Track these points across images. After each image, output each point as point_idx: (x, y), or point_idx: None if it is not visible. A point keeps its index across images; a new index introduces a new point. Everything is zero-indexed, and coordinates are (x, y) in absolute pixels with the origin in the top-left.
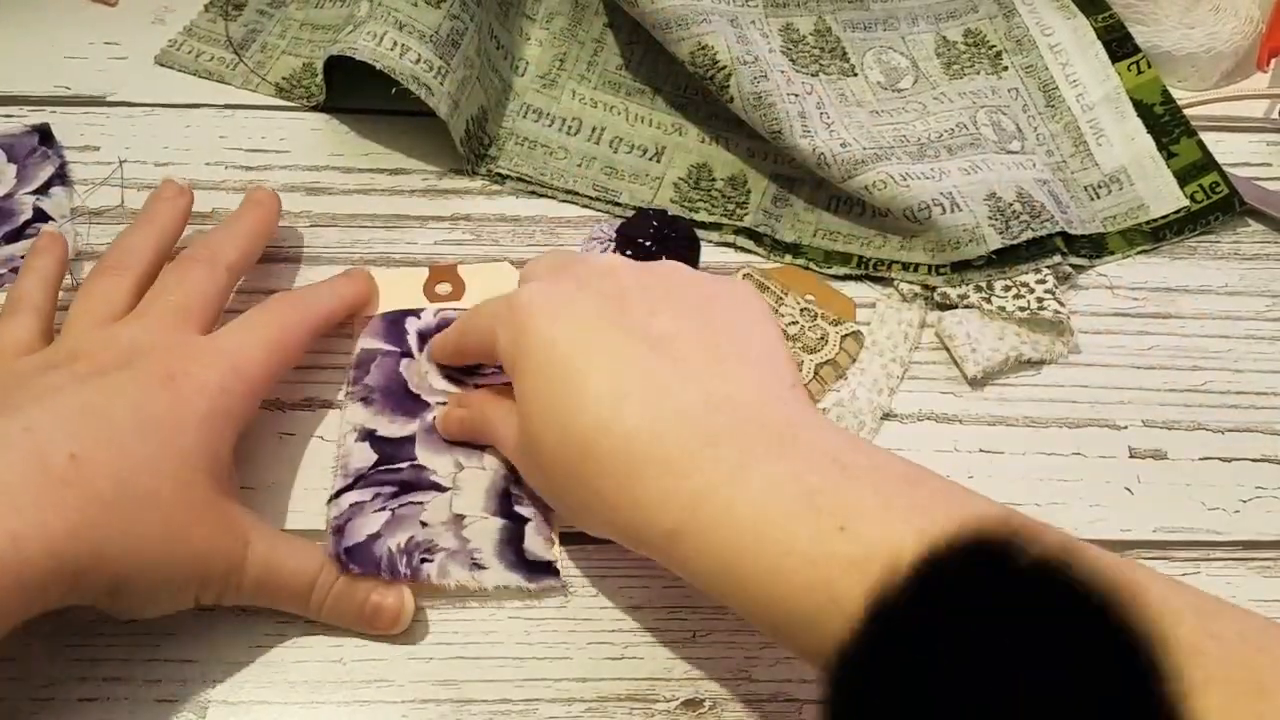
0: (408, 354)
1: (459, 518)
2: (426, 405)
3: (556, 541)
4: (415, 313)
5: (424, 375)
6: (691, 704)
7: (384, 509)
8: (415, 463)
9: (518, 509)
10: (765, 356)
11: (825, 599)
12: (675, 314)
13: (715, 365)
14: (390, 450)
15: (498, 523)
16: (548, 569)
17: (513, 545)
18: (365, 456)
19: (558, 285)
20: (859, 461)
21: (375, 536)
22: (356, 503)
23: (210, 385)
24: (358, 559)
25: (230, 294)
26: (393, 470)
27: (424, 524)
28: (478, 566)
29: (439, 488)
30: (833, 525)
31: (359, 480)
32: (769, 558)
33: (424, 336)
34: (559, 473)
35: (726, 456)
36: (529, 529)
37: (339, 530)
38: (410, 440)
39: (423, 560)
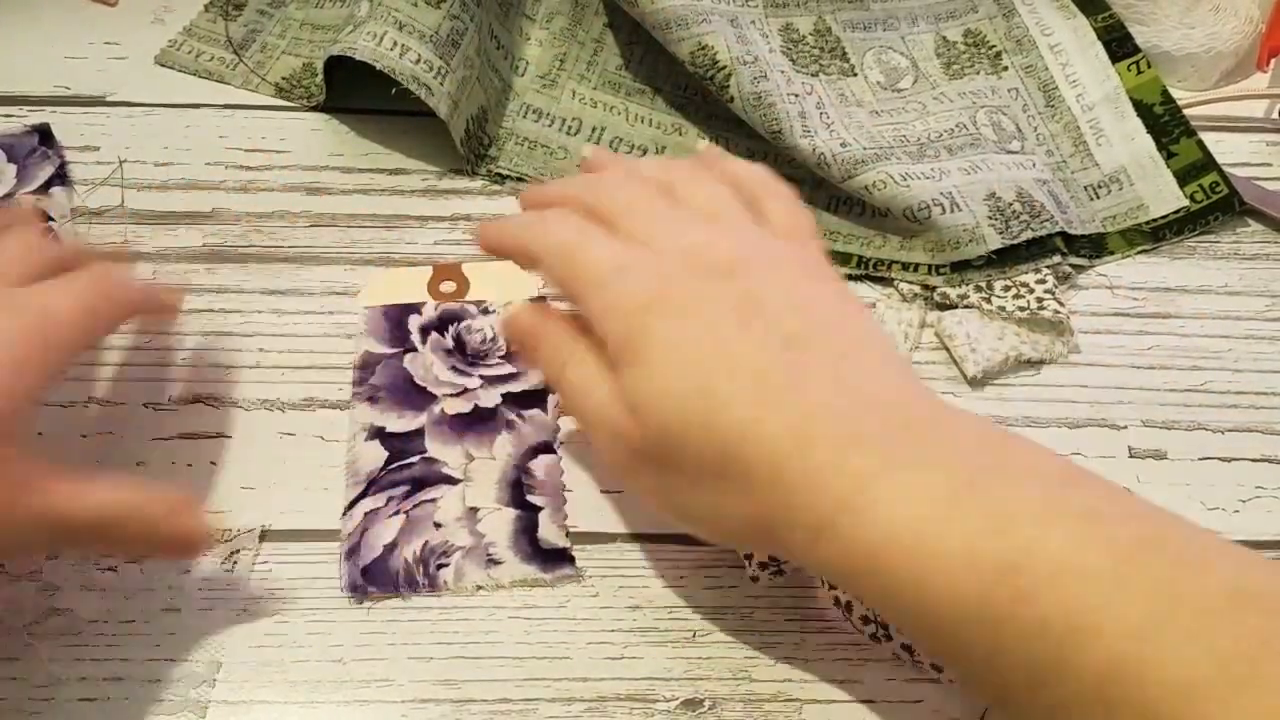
0: (411, 349)
1: (472, 511)
2: (433, 397)
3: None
4: (416, 308)
5: (429, 368)
6: (691, 704)
7: (398, 513)
8: (426, 455)
9: (530, 498)
10: (886, 352)
11: (975, 607)
12: (799, 312)
13: (848, 362)
14: (400, 445)
15: (511, 513)
16: (563, 557)
17: (527, 535)
18: (375, 456)
19: (670, 277)
20: (1013, 459)
21: (391, 547)
22: (371, 510)
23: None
24: (375, 579)
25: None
26: (404, 466)
27: (438, 524)
28: (493, 562)
29: (450, 480)
30: (984, 528)
31: (371, 485)
32: (916, 560)
33: (425, 331)
34: (690, 470)
35: (872, 455)
36: (542, 517)
37: (354, 550)
38: (419, 433)
39: (439, 566)
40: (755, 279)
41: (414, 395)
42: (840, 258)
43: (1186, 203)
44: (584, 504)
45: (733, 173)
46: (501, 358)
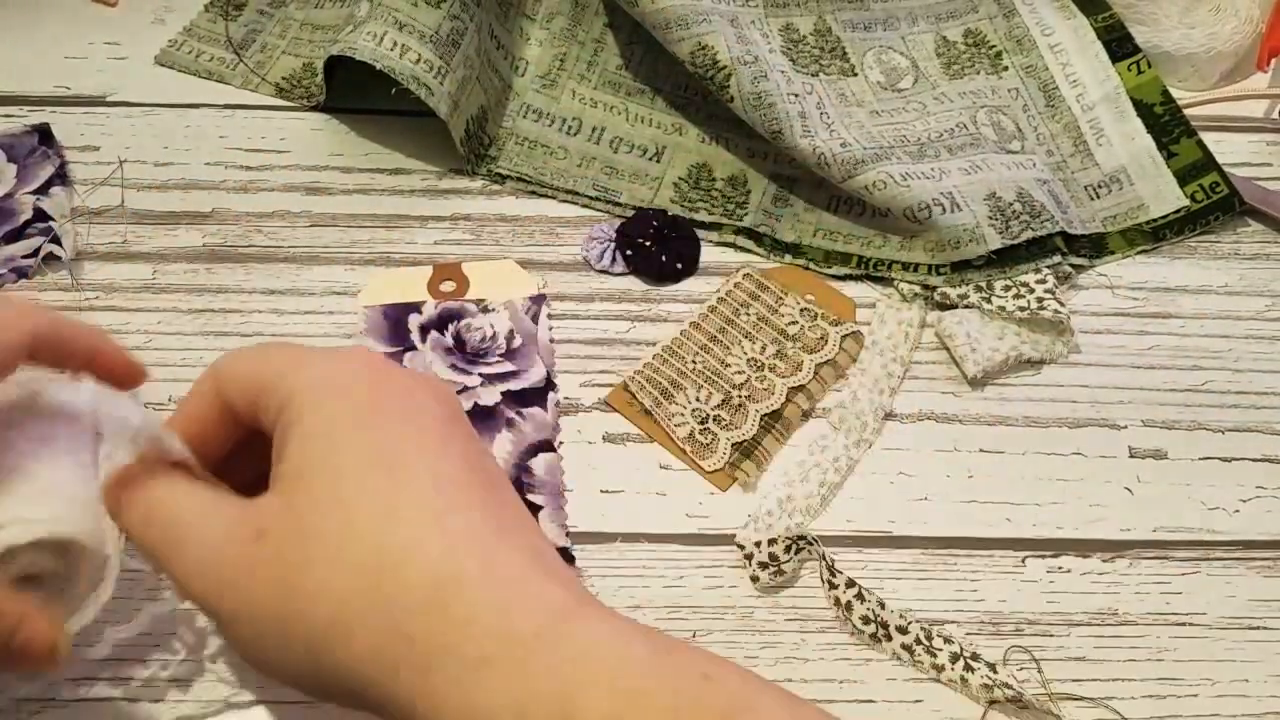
0: (411, 348)
1: None
2: None
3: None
4: (416, 307)
5: (429, 366)
6: None
7: None
8: None
9: (530, 497)
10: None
11: None
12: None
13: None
14: None
15: None
16: (563, 556)
17: None
18: None
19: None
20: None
21: None
22: None
23: None
24: None
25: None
26: None
27: None
28: None
29: None
30: (696, 678)
31: None
32: (620, 700)
33: (425, 330)
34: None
35: (561, 590)
36: (542, 516)
37: None
38: None
39: None
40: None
41: None
42: (840, 258)
43: (1187, 203)
44: (584, 503)
45: None
46: (501, 356)
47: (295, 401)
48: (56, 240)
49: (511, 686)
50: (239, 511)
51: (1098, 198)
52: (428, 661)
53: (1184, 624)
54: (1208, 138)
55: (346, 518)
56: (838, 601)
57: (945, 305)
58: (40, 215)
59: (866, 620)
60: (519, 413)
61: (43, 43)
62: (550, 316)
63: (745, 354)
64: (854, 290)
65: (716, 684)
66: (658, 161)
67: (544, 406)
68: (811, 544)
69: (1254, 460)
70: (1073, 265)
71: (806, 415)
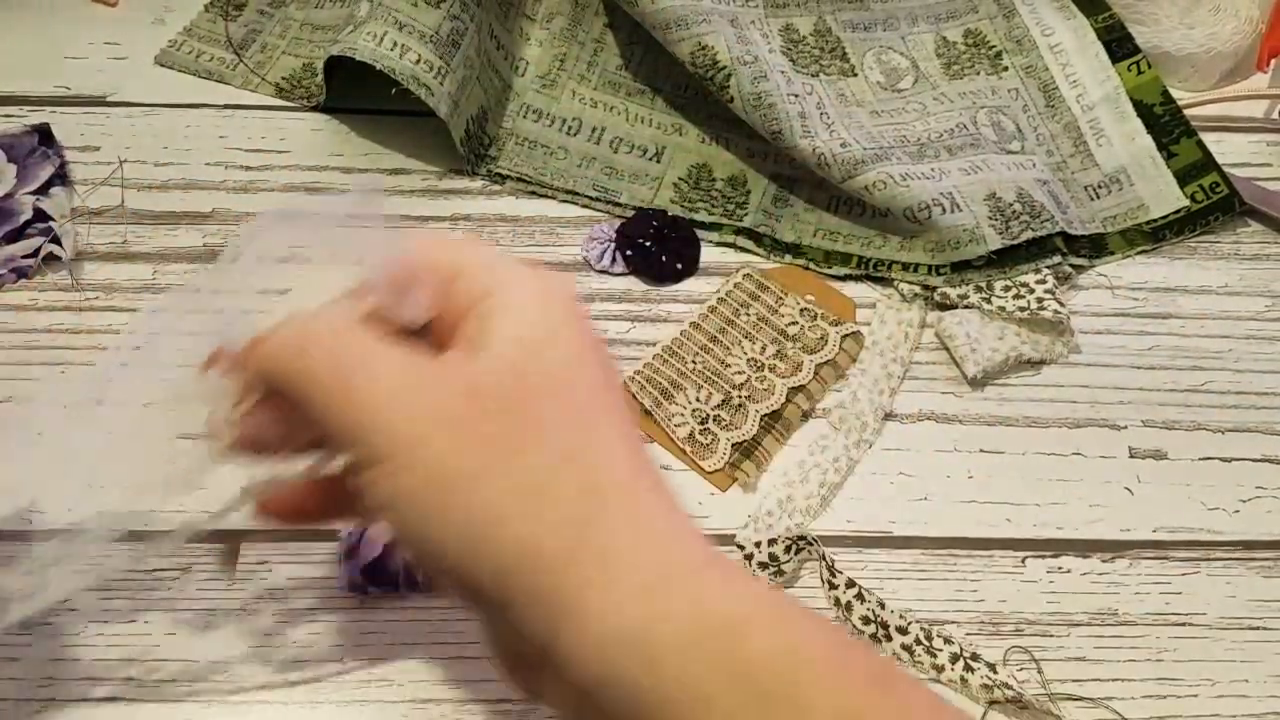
0: None
1: None
2: None
3: None
4: None
5: None
6: None
7: None
8: None
9: None
10: None
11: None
12: None
13: None
14: None
15: None
16: None
17: None
18: None
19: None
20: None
21: (391, 546)
22: None
23: None
24: (375, 578)
25: None
26: None
27: None
28: None
29: None
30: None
31: None
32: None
33: None
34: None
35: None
36: None
37: (354, 550)
38: None
39: None
40: None
41: None
42: (840, 258)
43: (1187, 203)
44: None
45: None
46: None
47: (506, 292)
48: (56, 240)
49: (683, 603)
50: (446, 362)
51: (1098, 198)
52: (603, 566)
53: (1184, 624)
54: (1208, 138)
55: (560, 409)
56: (838, 601)
57: (945, 305)
58: (40, 215)
59: (866, 620)
60: None
61: (43, 43)
62: None
63: (745, 354)
64: (854, 290)
65: (862, 651)
66: (658, 161)
67: None
68: (811, 544)
69: (1254, 460)
70: (1073, 265)
71: (806, 415)
